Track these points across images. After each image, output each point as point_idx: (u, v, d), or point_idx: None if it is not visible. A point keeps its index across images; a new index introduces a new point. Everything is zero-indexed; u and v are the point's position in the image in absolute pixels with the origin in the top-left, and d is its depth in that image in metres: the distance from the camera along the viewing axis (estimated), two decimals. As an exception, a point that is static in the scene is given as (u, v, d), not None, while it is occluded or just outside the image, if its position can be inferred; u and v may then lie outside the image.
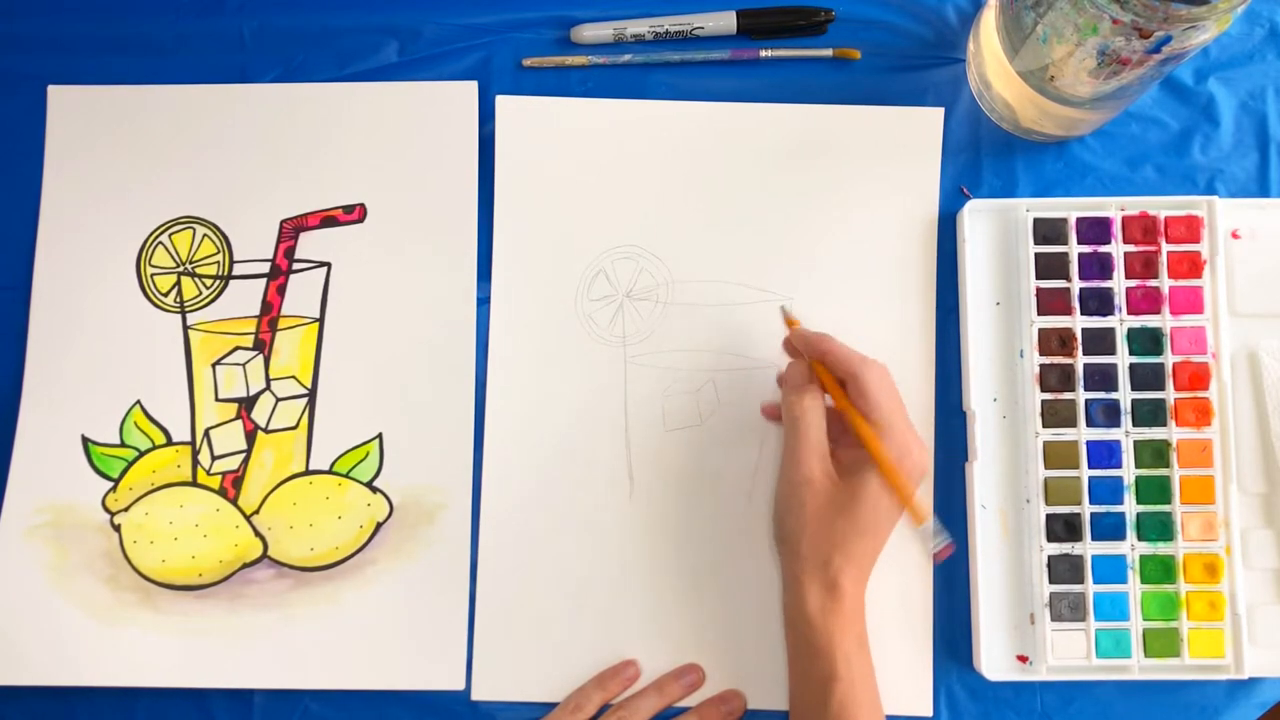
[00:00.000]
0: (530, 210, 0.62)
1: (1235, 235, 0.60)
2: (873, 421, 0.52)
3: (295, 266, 0.62)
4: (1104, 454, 0.58)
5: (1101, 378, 0.58)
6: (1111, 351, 0.58)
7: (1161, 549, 0.57)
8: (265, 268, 0.62)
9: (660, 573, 0.59)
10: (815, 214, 0.61)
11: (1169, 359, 0.58)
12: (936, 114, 0.62)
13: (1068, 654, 0.57)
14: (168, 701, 0.59)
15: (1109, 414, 0.58)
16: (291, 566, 0.60)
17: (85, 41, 0.64)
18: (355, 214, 0.62)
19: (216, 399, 0.61)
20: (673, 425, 0.60)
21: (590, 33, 0.63)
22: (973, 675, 0.58)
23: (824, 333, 0.56)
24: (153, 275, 0.62)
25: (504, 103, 0.62)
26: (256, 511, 0.60)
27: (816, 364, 0.55)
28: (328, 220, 0.62)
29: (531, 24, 0.64)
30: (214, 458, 0.61)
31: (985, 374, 0.59)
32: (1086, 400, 0.58)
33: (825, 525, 0.52)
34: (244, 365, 0.61)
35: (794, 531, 0.54)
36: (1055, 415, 0.58)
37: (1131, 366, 0.58)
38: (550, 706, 0.58)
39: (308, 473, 0.61)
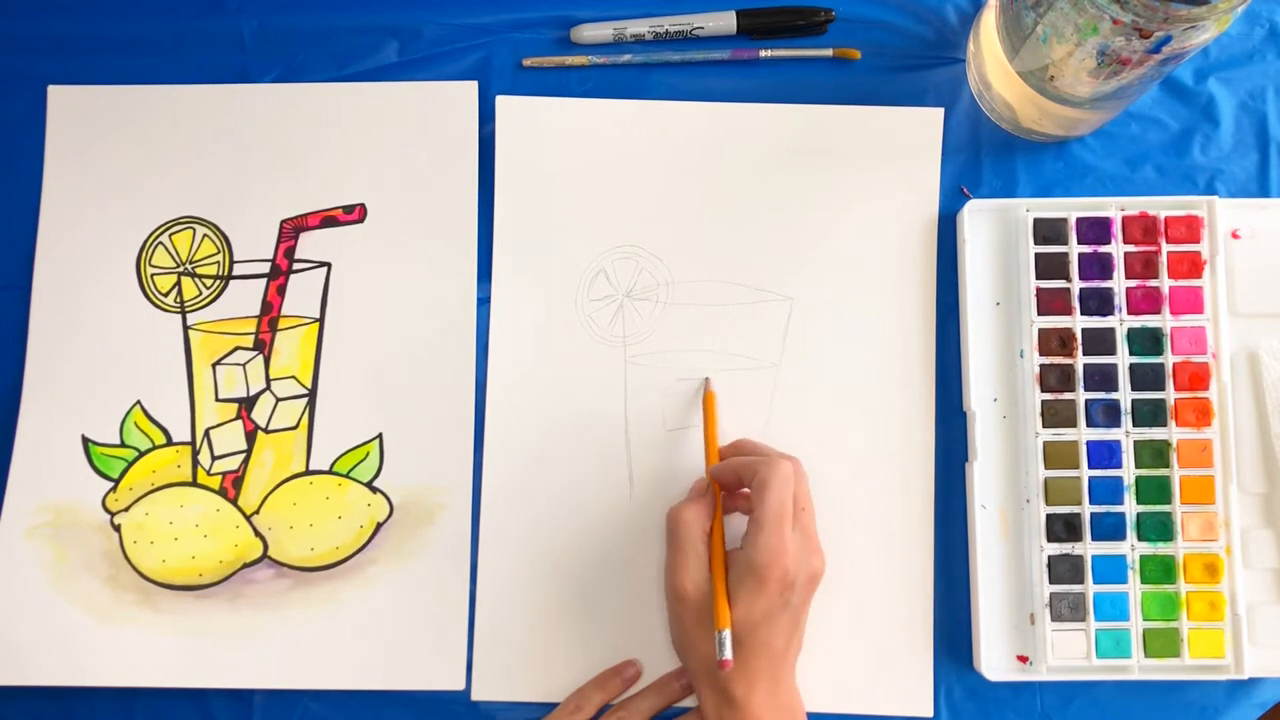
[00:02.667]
0: (530, 211, 0.62)
1: (1235, 235, 0.60)
2: (755, 518, 0.52)
3: (295, 266, 0.62)
4: (1104, 454, 0.58)
5: (1101, 378, 0.58)
6: (1111, 351, 0.58)
7: (1161, 549, 0.57)
8: (265, 268, 0.62)
9: (660, 572, 0.59)
10: (815, 214, 0.61)
11: (1169, 359, 0.58)
12: (936, 114, 0.62)
13: (1068, 654, 0.57)
14: (167, 701, 0.59)
15: (1109, 414, 0.58)
16: (291, 566, 0.60)
17: (85, 41, 0.64)
18: (355, 214, 0.62)
19: (216, 399, 0.61)
20: (673, 425, 0.60)
21: (590, 33, 0.63)
22: (973, 675, 0.58)
23: (741, 439, 0.58)
24: (153, 275, 0.62)
25: (504, 103, 0.62)
26: (256, 512, 0.60)
27: (713, 478, 0.56)
28: (328, 220, 0.62)
29: (531, 24, 0.64)
30: (214, 458, 0.61)
31: (985, 374, 0.59)
32: (1086, 400, 0.58)
33: (703, 639, 0.53)
34: (244, 365, 0.61)
35: (677, 642, 0.55)
36: (1055, 415, 0.58)
37: (1131, 366, 0.58)
38: (550, 706, 0.58)
39: (308, 473, 0.60)
